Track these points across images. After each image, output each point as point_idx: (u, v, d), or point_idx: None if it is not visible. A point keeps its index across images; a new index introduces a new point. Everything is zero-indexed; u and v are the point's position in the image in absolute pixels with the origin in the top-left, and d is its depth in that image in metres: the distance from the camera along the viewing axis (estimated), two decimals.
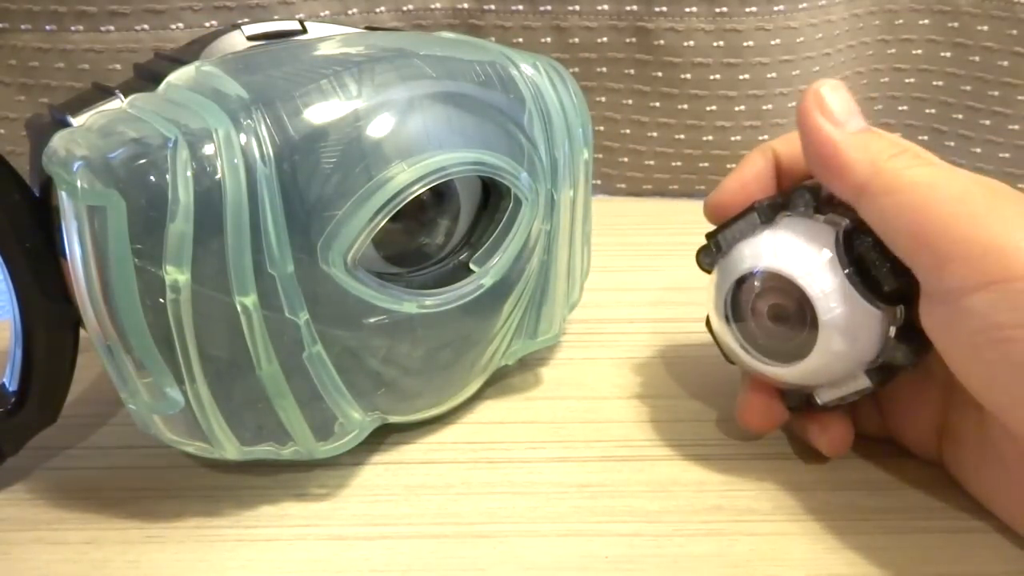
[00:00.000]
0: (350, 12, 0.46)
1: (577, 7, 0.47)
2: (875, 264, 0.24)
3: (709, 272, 0.28)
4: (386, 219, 0.25)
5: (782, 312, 0.26)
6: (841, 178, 0.24)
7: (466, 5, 0.47)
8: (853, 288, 0.24)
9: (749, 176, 0.28)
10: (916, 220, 0.22)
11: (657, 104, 0.49)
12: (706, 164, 0.50)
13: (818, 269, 0.24)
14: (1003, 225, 0.21)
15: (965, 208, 0.22)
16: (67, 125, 0.24)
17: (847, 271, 0.24)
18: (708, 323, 0.29)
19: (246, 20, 0.42)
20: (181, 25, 0.44)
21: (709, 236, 0.28)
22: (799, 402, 0.27)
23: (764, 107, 0.48)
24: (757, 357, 0.27)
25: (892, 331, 0.24)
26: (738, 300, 0.27)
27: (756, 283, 0.26)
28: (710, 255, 0.28)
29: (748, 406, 0.28)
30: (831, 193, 0.25)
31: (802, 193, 0.26)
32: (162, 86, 0.25)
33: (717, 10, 0.46)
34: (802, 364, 0.25)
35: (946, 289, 0.22)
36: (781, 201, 0.26)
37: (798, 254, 0.25)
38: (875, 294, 0.24)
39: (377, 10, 0.46)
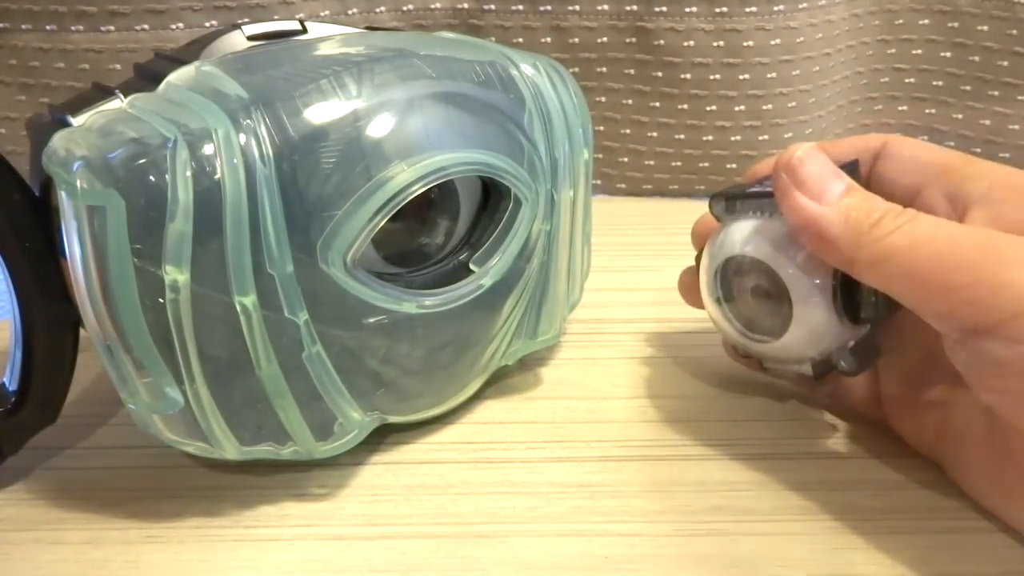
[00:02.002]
0: (350, 12, 0.46)
1: (577, 7, 0.47)
2: (861, 289, 0.25)
3: (718, 220, 0.29)
4: (386, 219, 0.25)
5: (764, 294, 0.27)
6: (830, 252, 0.24)
7: (466, 5, 0.47)
8: (834, 306, 0.26)
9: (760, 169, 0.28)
10: (911, 283, 0.23)
11: (657, 104, 0.49)
12: (706, 164, 0.50)
13: (806, 270, 0.26)
14: (1002, 264, 0.22)
15: (956, 258, 0.22)
16: (67, 125, 0.24)
17: (834, 282, 0.25)
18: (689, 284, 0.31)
19: (246, 20, 0.42)
20: (181, 25, 0.44)
21: (729, 196, 0.28)
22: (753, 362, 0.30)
23: (764, 107, 0.48)
24: (740, 330, 0.28)
25: (850, 344, 0.26)
26: (727, 276, 0.28)
27: (746, 265, 0.27)
28: (720, 205, 0.28)
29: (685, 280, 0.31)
30: None
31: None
32: (162, 86, 0.25)
33: (717, 10, 0.46)
34: (772, 344, 0.27)
35: (961, 333, 0.22)
36: None
37: (788, 251, 0.26)
38: (850, 313, 0.26)
39: (377, 10, 0.46)
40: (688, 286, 0.31)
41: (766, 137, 0.49)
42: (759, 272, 0.27)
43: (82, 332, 0.26)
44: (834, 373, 0.27)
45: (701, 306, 0.30)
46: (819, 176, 0.25)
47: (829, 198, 0.24)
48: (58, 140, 0.23)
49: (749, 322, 0.28)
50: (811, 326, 0.26)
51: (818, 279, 0.26)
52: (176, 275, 0.23)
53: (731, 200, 0.28)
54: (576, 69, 0.48)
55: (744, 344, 0.29)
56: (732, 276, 0.28)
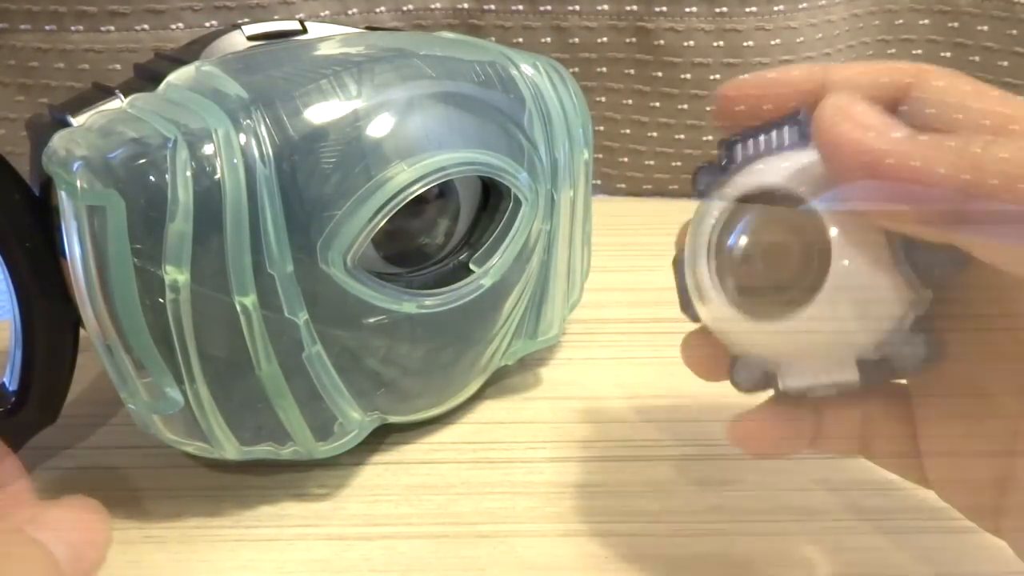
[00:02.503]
0: (350, 12, 0.46)
1: (577, 7, 0.47)
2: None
3: (701, 196, 0.22)
4: (386, 219, 0.25)
5: (782, 254, 0.20)
6: (923, 197, 0.17)
7: (466, 5, 0.47)
8: (888, 246, 0.19)
9: (795, 76, 0.21)
10: None
11: (657, 104, 0.49)
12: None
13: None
14: None
15: None
16: (67, 125, 0.24)
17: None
18: (675, 261, 0.24)
19: (246, 20, 0.42)
20: (181, 25, 0.44)
21: (723, 145, 0.22)
22: (753, 380, 0.21)
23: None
24: (730, 303, 0.21)
25: (910, 319, 0.19)
26: (730, 227, 0.21)
27: (758, 210, 0.21)
28: (711, 172, 0.22)
29: (693, 348, 0.23)
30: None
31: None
32: (162, 86, 0.25)
33: (717, 10, 0.46)
34: (782, 324, 0.20)
35: None
36: None
37: (830, 187, 0.19)
38: (912, 265, 0.19)
39: (377, 10, 0.46)
40: (696, 352, 0.23)
41: None
42: (771, 222, 0.20)
43: (82, 332, 0.26)
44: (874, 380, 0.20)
45: (716, 377, 0.23)
46: (875, 113, 0.18)
47: (898, 133, 0.18)
48: (58, 140, 0.23)
49: (757, 303, 0.21)
50: (858, 280, 0.19)
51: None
52: (176, 275, 0.23)
53: (737, 143, 0.22)
54: (576, 69, 0.48)
55: (753, 339, 0.21)
56: (734, 239, 0.21)
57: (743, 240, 0.21)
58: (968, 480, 0.21)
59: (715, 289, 0.21)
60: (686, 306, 0.23)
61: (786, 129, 0.21)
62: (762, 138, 0.21)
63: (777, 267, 0.20)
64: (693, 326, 0.23)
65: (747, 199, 0.21)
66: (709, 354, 0.22)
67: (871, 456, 0.23)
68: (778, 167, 0.20)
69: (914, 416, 0.22)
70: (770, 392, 0.22)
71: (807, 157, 0.20)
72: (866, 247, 0.19)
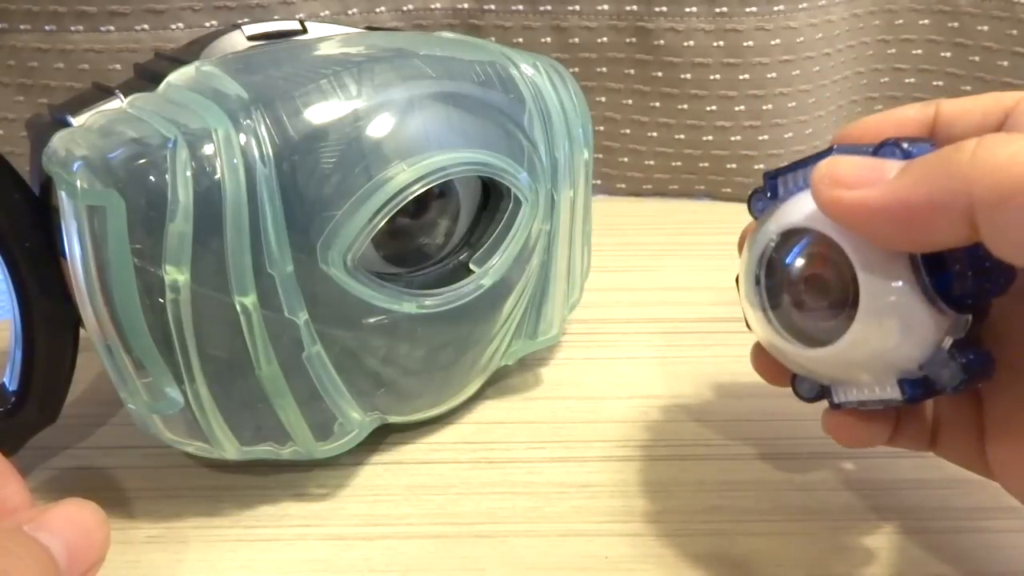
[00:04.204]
0: (350, 12, 0.46)
1: (577, 7, 0.47)
2: (954, 257, 0.20)
3: (756, 218, 0.24)
4: (386, 219, 0.25)
5: (821, 284, 0.22)
6: (937, 219, 0.18)
7: (466, 5, 0.47)
8: (915, 278, 0.20)
9: (896, 119, 0.22)
10: None
11: (657, 104, 0.49)
12: (706, 164, 0.50)
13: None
14: None
15: None
16: (67, 125, 0.24)
17: (915, 257, 0.20)
18: (737, 278, 0.25)
19: (246, 20, 0.42)
20: (181, 25, 0.44)
21: (768, 176, 0.23)
22: (813, 392, 0.23)
23: (764, 107, 0.48)
24: (779, 330, 0.23)
25: (948, 342, 0.20)
26: (776, 260, 0.22)
27: (801, 243, 0.22)
28: (762, 200, 0.23)
29: (759, 358, 0.25)
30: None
31: (892, 148, 0.20)
32: (162, 86, 0.25)
33: (717, 10, 0.46)
34: (825, 351, 0.21)
35: None
36: (870, 151, 0.21)
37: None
38: (941, 292, 0.20)
39: (377, 10, 0.46)
40: (760, 359, 0.25)
41: (766, 137, 0.49)
42: (812, 254, 0.22)
43: (82, 332, 0.26)
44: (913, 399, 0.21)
45: (782, 383, 0.25)
46: (862, 166, 0.19)
47: (889, 175, 0.19)
48: (58, 140, 0.23)
49: (803, 329, 0.22)
50: (889, 311, 0.20)
51: (897, 255, 0.20)
52: (176, 275, 0.23)
53: (772, 179, 0.23)
54: (576, 69, 0.48)
55: (801, 362, 0.23)
56: (778, 270, 0.22)
57: (788, 271, 0.22)
58: None
59: (763, 315, 0.23)
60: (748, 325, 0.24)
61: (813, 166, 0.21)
62: (799, 173, 0.22)
63: (817, 297, 0.22)
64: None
65: (783, 235, 0.22)
66: (775, 364, 0.24)
67: (939, 450, 0.24)
68: (803, 206, 0.21)
69: (981, 404, 0.22)
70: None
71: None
72: (891, 278, 0.20)
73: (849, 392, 0.22)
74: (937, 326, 0.20)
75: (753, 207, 0.24)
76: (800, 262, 0.22)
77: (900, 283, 0.20)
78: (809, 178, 0.21)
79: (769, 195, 0.23)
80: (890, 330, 0.20)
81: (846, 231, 0.20)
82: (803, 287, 0.22)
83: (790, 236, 0.22)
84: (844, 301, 0.21)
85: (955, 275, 0.20)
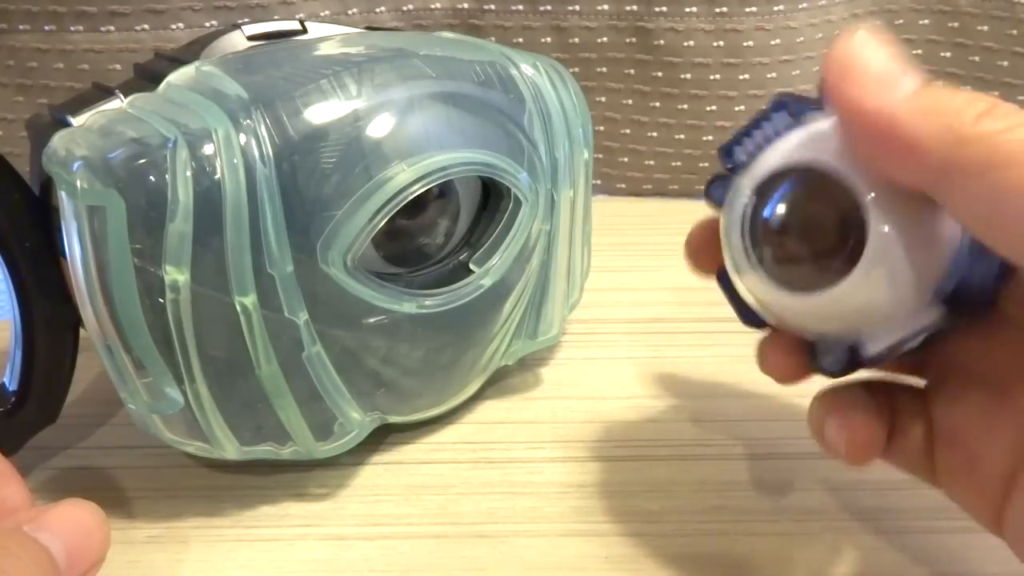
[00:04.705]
0: (350, 12, 0.46)
1: (577, 7, 0.47)
2: None
3: (719, 208, 0.22)
4: (386, 219, 0.25)
5: (818, 221, 0.20)
6: (908, 161, 0.17)
7: (466, 5, 0.47)
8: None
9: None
10: None
11: (657, 104, 0.49)
12: (706, 164, 0.50)
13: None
14: None
15: None
16: (67, 125, 0.24)
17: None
18: (719, 274, 0.23)
19: (246, 20, 0.42)
20: (181, 25, 0.44)
21: (722, 151, 0.22)
22: (840, 362, 0.21)
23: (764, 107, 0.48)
24: (782, 287, 0.21)
25: (964, 243, 0.19)
26: (758, 216, 0.21)
27: (784, 188, 0.20)
28: (721, 181, 0.22)
29: (769, 353, 0.23)
30: None
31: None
32: (162, 86, 0.25)
33: (717, 10, 0.46)
34: (841, 288, 0.19)
35: None
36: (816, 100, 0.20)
37: (842, 144, 0.19)
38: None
39: (377, 10, 0.46)
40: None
41: None
42: (798, 195, 0.20)
43: (82, 332, 0.26)
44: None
45: (797, 378, 0.23)
46: (886, 64, 0.18)
47: (904, 90, 0.17)
48: (58, 140, 0.23)
49: (809, 278, 0.20)
50: (905, 226, 0.19)
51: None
52: (176, 275, 0.23)
53: (735, 144, 0.22)
54: (576, 69, 0.48)
55: (819, 317, 0.20)
56: (765, 224, 0.21)
57: (775, 213, 0.21)
58: (976, 475, 0.21)
59: (761, 276, 0.21)
60: (744, 316, 0.23)
61: (775, 117, 0.21)
62: (756, 133, 0.21)
63: (814, 238, 0.20)
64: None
65: (761, 187, 0.21)
66: (785, 358, 0.22)
67: (888, 457, 0.23)
68: (777, 153, 0.20)
69: (931, 411, 0.22)
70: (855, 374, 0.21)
71: (799, 134, 0.20)
72: (900, 195, 0.18)
73: (883, 337, 0.20)
74: (952, 228, 0.19)
75: (713, 194, 0.22)
76: (786, 207, 0.20)
77: (907, 197, 0.18)
78: (767, 135, 0.20)
79: (730, 167, 0.22)
80: (909, 243, 0.19)
81: (833, 158, 0.19)
82: (798, 232, 0.21)
83: (768, 188, 0.21)
84: (844, 236, 0.19)
85: None
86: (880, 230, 0.19)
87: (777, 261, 0.21)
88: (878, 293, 0.19)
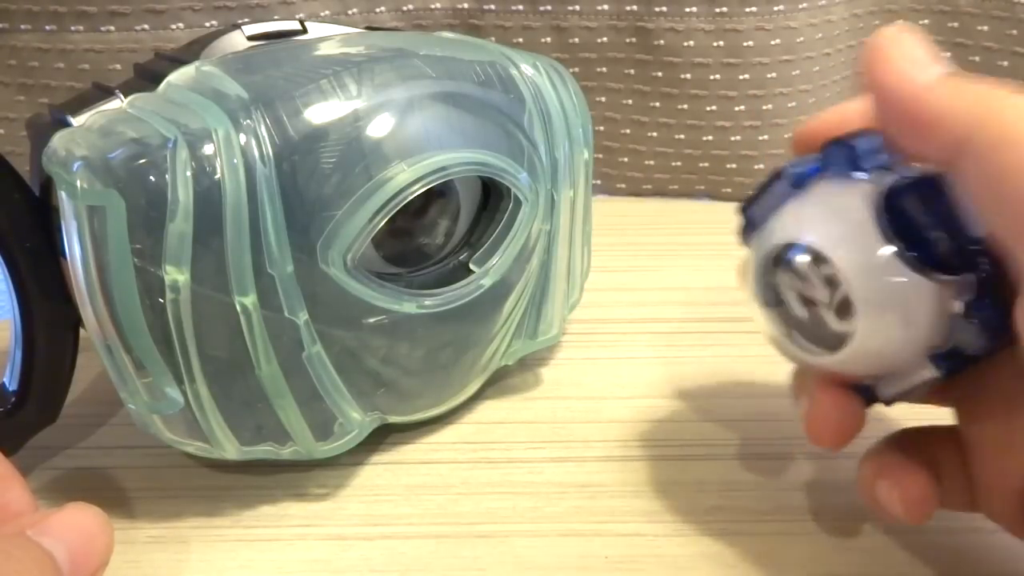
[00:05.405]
0: (350, 12, 0.46)
1: (577, 7, 0.47)
2: (928, 225, 0.20)
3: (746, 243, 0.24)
4: (386, 219, 0.25)
5: (815, 297, 0.22)
6: (933, 135, 0.18)
7: (466, 5, 0.47)
8: (897, 256, 0.20)
9: (854, 110, 0.22)
10: None
11: (657, 104, 0.49)
12: (706, 164, 0.50)
13: (851, 237, 0.20)
14: None
15: None
16: (67, 125, 0.24)
17: (890, 236, 0.20)
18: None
19: (246, 20, 0.42)
20: (181, 25, 0.44)
21: (742, 209, 0.23)
22: (865, 398, 0.23)
23: (764, 107, 0.48)
24: (802, 345, 0.22)
25: (959, 307, 0.20)
26: (773, 281, 0.23)
27: (786, 260, 0.22)
28: (745, 231, 0.24)
29: (818, 413, 0.23)
30: (877, 147, 0.21)
31: (838, 149, 0.21)
32: (162, 86, 0.25)
33: (717, 10, 0.46)
34: (846, 351, 0.21)
35: None
36: (818, 162, 0.22)
37: (828, 222, 0.21)
38: (928, 262, 0.20)
39: (377, 10, 0.46)
40: (817, 420, 0.24)
41: (766, 137, 0.49)
42: (801, 266, 0.22)
43: (82, 332, 0.26)
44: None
45: (845, 438, 0.23)
46: (920, 52, 0.19)
47: (932, 74, 0.19)
48: (58, 140, 0.23)
49: (822, 337, 0.22)
50: (886, 300, 0.20)
51: (873, 242, 0.20)
52: (176, 275, 0.23)
53: (749, 206, 0.23)
54: (576, 69, 0.48)
55: (820, 365, 0.22)
56: (781, 289, 0.23)
57: (789, 286, 0.22)
58: (1005, 489, 0.21)
59: (785, 337, 0.23)
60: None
61: (782, 181, 0.22)
62: (761, 201, 0.23)
63: (821, 303, 0.22)
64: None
65: (769, 259, 0.23)
66: (835, 423, 0.23)
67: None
68: (779, 225, 0.22)
69: (962, 434, 0.23)
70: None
71: (795, 207, 0.22)
72: (877, 268, 0.20)
73: (890, 385, 0.22)
74: (940, 296, 0.20)
75: (742, 240, 0.24)
76: (794, 276, 0.22)
77: (888, 269, 0.20)
78: (776, 203, 0.22)
79: (748, 226, 0.23)
80: (894, 318, 0.20)
81: (823, 236, 0.21)
82: (805, 298, 0.22)
83: (779, 255, 0.22)
84: (843, 302, 0.21)
85: (934, 240, 0.20)
86: (868, 310, 0.20)
87: (794, 326, 0.23)
88: (870, 361, 0.21)
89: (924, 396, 0.22)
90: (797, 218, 0.22)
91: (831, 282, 0.21)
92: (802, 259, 0.22)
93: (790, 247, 0.22)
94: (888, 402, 0.22)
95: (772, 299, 0.23)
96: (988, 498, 0.22)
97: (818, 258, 0.21)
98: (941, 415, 0.24)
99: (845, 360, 0.21)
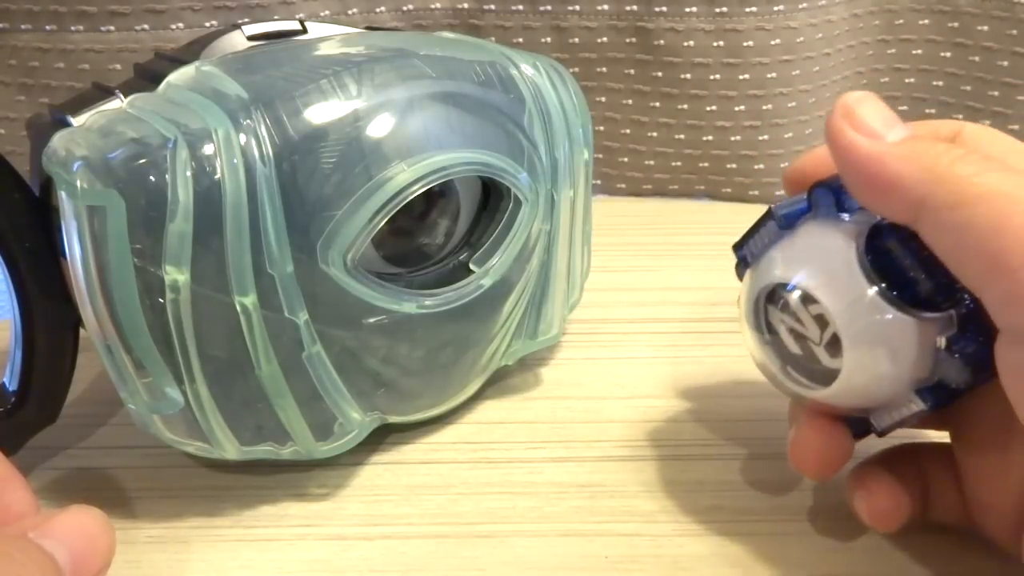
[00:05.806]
0: (350, 12, 0.46)
1: (577, 7, 0.47)
2: (909, 264, 0.21)
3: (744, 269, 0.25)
4: (386, 219, 0.25)
5: (804, 334, 0.23)
6: (891, 197, 0.20)
7: (466, 5, 0.47)
8: (880, 296, 0.21)
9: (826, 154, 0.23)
10: (990, 241, 0.18)
11: (657, 104, 0.49)
12: (706, 164, 0.50)
13: (837, 278, 0.21)
14: None
15: None
16: (67, 125, 0.24)
17: (873, 275, 0.21)
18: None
19: (246, 20, 0.42)
20: (181, 25, 0.44)
21: (735, 247, 0.25)
22: (861, 429, 0.24)
23: (764, 107, 0.48)
24: (795, 378, 0.24)
25: (942, 342, 0.21)
26: (767, 317, 0.24)
27: (778, 298, 0.23)
28: (739, 268, 0.25)
29: (802, 442, 0.24)
30: None
31: (823, 191, 0.22)
32: (162, 86, 0.25)
33: (717, 10, 0.46)
34: (836, 386, 0.22)
35: None
36: (805, 203, 0.23)
37: (815, 263, 0.22)
38: (910, 300, 0.21)
39: (377, 10, 0.46)
40: (801, 450, 0.25)
41: (766, 137, 0.49)
42: (792, 304, 0.23)
43: (82, 332, 0.26)
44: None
45: (830, 470, 0.24)
46: (880, 117, 0.21)
47: (893, 138, 0.20)
48: (58, 140, 0.23)
49: (815, 371, 0.23)
50: (870, 338, 0.21)
51: (856, 281, 0.21)
52: (176, 275, 0.23)
53: (742, 245, 0.24)
54: (576, 69, 0.48)
55: (814, 397, 0.23)
56: (775, 326, 0.24)
57: (779, 326, 0.23)
58: (999, 509, 0.22)
59: (781, 372, 0.24)
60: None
61: (771, 222, 0.23)
62: (756, 239, 0.24)
63: (813, 340, 0.23)
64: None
65: (761, 296, 0.24)
66: (818, 454, 0.24)
67: (930, 520, 0.25)
68: (769, 265, 0.23)
69: (956, 457, 0.24)
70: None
71: (784, 247, 0.23)
72: (862, 308, 0.21)
73: (883, 417, 0.23)
74: (924, 332, 0.21)
75: (739, 275, 0.25)
76: (786, 314, 0.23)
77: (872, 307, 0.21)
78: (767, 243, 0.23)
79: (743, 264, 0.25)
80: (880, 354, 0.21)
81: (809, 275, 0.22)
82: (798, 334, 0.23)
83: (771, 293, 0.23)
84: (831, 339, 0.22)
85: (916, 280, 0.21)
86: (855, 347, 0.21)
87: (787, 361, 0.24)
88: (859, 395, 0.22)
89: (917, 424, 0.23)
90: (786, 259, 0.23)
91: (821, 320, 0.22)
92: (793, 298, 0.23)
93: (781, 286, 0.23)
94: (881, 433, 0.23)
95: (767, 334, 0.24)
96: (983, 516, 0.23)
97: (807, 298, 0.22)
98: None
99: (836, 394, 0.22)
